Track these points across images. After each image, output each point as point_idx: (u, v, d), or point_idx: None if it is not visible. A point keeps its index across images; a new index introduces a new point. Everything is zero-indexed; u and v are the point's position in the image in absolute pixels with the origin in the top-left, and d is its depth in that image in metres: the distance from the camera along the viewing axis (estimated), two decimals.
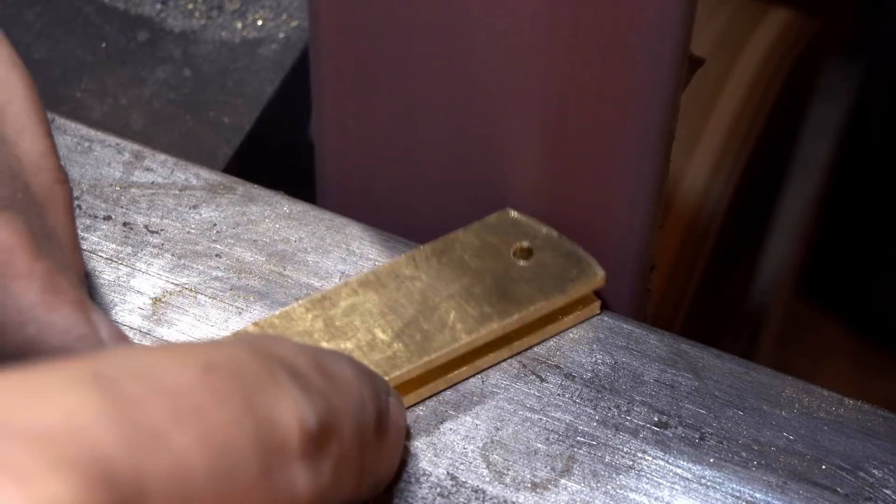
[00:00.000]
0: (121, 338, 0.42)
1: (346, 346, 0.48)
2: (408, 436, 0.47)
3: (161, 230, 0.53)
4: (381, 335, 0.48)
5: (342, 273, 0.52)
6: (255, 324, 0.49)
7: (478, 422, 0.48)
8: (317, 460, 0.37)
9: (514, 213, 0.52)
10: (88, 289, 0.51)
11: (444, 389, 0.49)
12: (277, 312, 0.49)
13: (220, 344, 0.38)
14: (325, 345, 0.48)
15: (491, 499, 0.47)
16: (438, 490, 0.47)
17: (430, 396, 0.49)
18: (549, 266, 0.51)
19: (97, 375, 0.33)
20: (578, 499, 0.47)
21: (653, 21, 0.46)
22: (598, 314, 0.51)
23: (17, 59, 0.46)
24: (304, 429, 0.37)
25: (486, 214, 0.53)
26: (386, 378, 0.47)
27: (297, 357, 0.39)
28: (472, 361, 0.49)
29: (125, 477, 0.32)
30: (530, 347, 0.50)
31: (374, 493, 0.44)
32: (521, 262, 0.51)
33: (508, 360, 0.50)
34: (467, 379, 0.49)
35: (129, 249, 0.52)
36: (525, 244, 0.51)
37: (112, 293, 0.51)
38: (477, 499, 0.47)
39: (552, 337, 0.50)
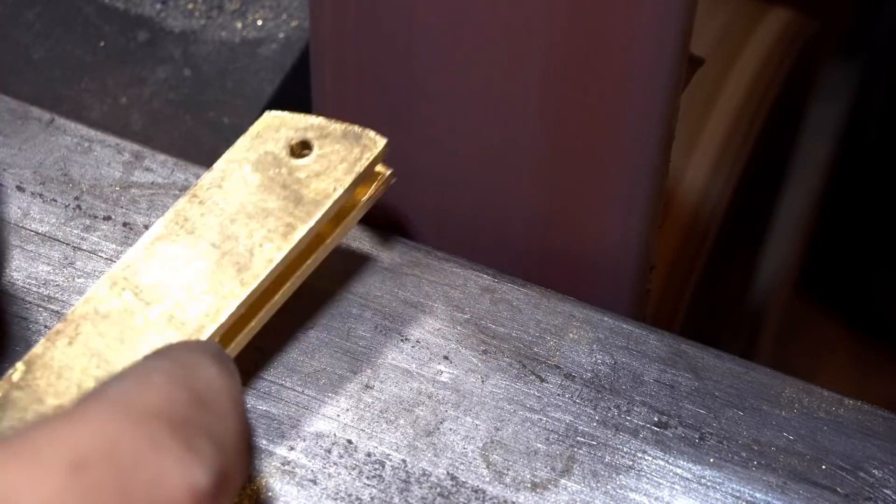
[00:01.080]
0: None
1: (163, 307, 0.46)
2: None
3: None
4: (196, 283, 0.47)
5: (342, 272, 0.52)
6: (63, 319, 0.46)
7: (478, 422, 0.48)
8: None
9: (276, 113, 0.50)
10: (89, 288, 0.51)
11: (272, 316, 0.48)
12: (82, 300, 0.47)
13: (85, 423, 0.35)
14: (148, 313, 0.46)
15: (491, 499, 0.47)
16: (438, 490, 0.47)
17: (260, 329, 0.48)
18: (331, 153, 0.49)
19: None
20: (578, 499, 0.47)
21: (653, 21, 0.46)
22: (393, 181, 0.50)
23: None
24: (196, 494, 0.35)
25: (486, 213, 0.53)
26: (215, 326, 0.46)
27: (172, 398, 0.37)
28: (292, 276, 0.48)
29: None
30: (343, 240, 0.49)
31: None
32: (303, 160, 0.49)
33: (508, 361, 0.50)
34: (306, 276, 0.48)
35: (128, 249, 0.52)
36: (300, 139, 0.50)
37: None
38: (477, 499, 0.47)
39: (357, 222, 0.50)
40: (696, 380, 0.49)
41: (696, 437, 0.48)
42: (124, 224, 0.53)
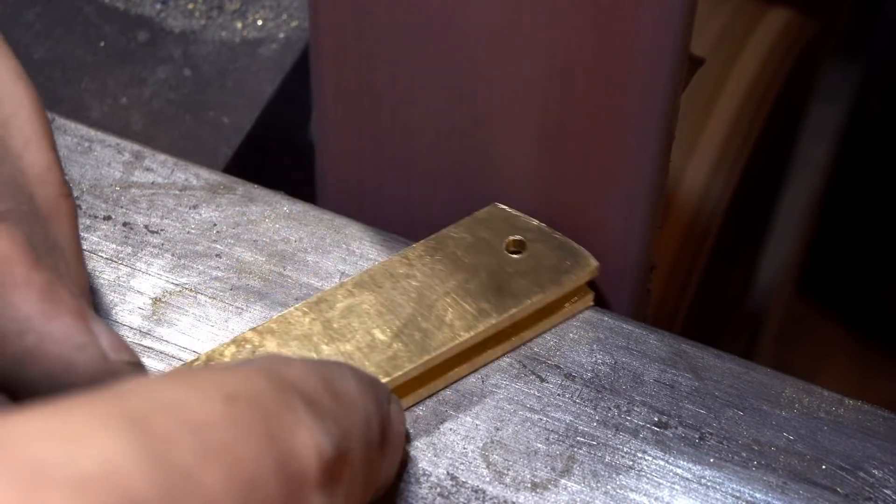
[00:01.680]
0: (121, 347, 0.42)
1: (346, 347, 0.48)
2: (407, 439, 0.47)
3: (161, 230, 0.53)
4: (379, 336, 0.48)
5: (342, 273, 0.52)
6: (254, 329, 0.48)
7: (478, 422, 0.48)
8: (332, 488, 0.38)
9: (503, 207, 0.52)
10: (89, 289, 0.51)
11: (443, 388, 0.49)
12: (275, 317, 0.49)
13: (237, 371, 0.38)
14: (324, 348, 0.48)
15: (491, 499, 0.47)
16: (438, 490, 0.47)
17: (430, 396, 0.49)
18: (543, 258, 0.51)
19: (127, 415, 0.34)
20: (578, 499, 0.47)
21: (653, 21, 0.46)
22: (591, 305, 0.51)
23: (21, 71, 0.46)
24: (321, 458, 0.37)
25: None
26: (386, 379, 0.47)
27: (308, 380, 0.39)
28: (471, 359, 0.49)
29: None
30: (527, 342, 0.50)
31: (375, 497, 0.44)
32: (515, 256, 0.51)
33: (508, 361, 0.50)
34: (466, 377, 0.49)
35: (129, 249, 0.52)
36: (517, 237, 0.51)
37: (112, 293, 0.51)
38: (477, 499, 0.47)
39: (548, 331, 0.50)
40: (697, 380, 0.49)
41: (697, 437, 0.48)
42: (124, 224, 0.53)
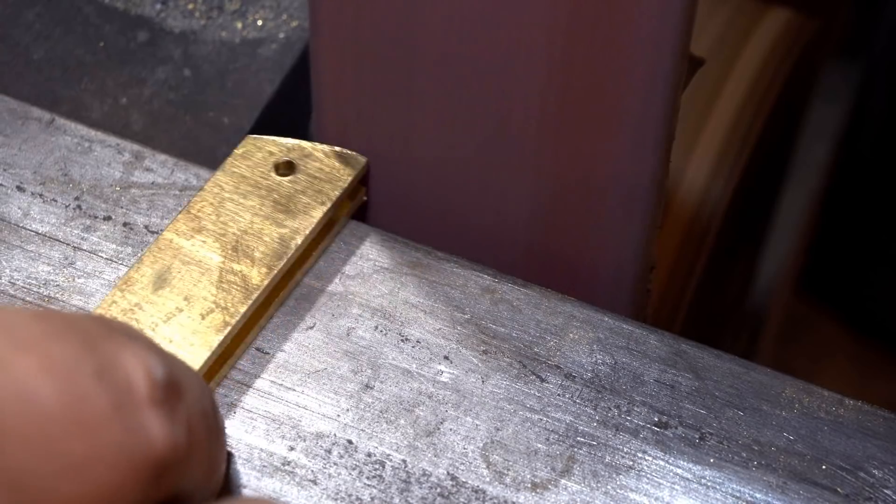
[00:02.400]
0: None
1: (177, 315, 0.48)
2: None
3: (161, 230, 0.53)
4: (202, 293, 0.49)
5: (342, 273, 0.52)
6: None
7: (478, 422, 0.48)
8: (168, 413, 0.38)
9: (256, 137, 0.53)
10: (89, 289, 0.51)
11: (276, 311, 0.50)
12: (94, 309, 0.49)
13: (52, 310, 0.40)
14: (155, 321, 0.48)
15: (491, 499, 0.47)
16: (438, 490, 0.47)
17: (261, 330, 0.50)
18: (313, 171, 0.52)
19: None
20: (578, 499, 0.47)
21: (653, 21, 0.46)
22: (364, 200, 0.54)
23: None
24: (150, 375, 0.38)
25: (486, 213, 0.53)
26: (228, 329, 0.48)
27: (137, 331, 0.41)
28: (289, 282, 0.51)
29: None
30: (327, 248, 0.52)
31: (214, 491, 0.43)
32: (288, 178, 0.52)
33: (508, 361, 0.50)
34: (299, 285, 0.51)
35: (129, 249, 0.52)
36: (283, 159, 0.53)
37: None
38: (477, 499, 0.47)
39: (343, 228, 0.53)
40: (697, 380, 0.49)
41: (697, 437, 0.48)
42: (124, 224, 0.53)
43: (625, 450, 0.48)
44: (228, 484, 0.46)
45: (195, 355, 0.47)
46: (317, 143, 0.53)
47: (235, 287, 0.49)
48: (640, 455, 0.48)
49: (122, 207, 0.53)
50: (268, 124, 0.63)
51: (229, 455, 0.47)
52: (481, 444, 0.48)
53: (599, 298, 0.52)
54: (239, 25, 0.65)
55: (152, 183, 0.54)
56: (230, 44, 0.65)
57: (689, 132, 0.73)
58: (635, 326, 0.51)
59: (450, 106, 0.51)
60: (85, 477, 0.36)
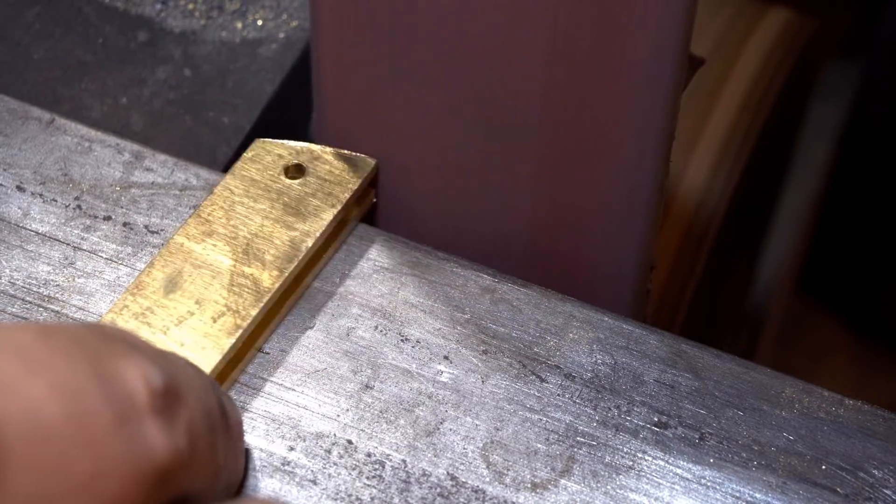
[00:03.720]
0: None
1: (188, 319, 0.48)
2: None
3: (161, 230, 0.53)
4: (213, 296, 0.49)
5: (342, 273, 0.52)
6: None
7: (478, 422, 0.48)
8: (169, 420, 0.39)
9: (265, 140, 0.53)
10: (89, 289, 0.51)
11: (287, 314, 0.50)
12: (106, 314, 0.49)
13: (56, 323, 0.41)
14: (167, 325, 0.48)
15: (491, 499, 0.47)
16: (438, 490, 0.47)
17: (273, 332, 0.50)
18: (323, 174, 0.52)
19: None
20: (578, 499, 0.47)
21: (653, 21, 0.46)
22: (374, 202, 0.54)
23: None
24: (149, 385, 0.39)
25: (486, 213, 0.53)
26: (239, 332, 0.48)
27: (135, 338, 0.41)
28: (299, 285, 0.51)
29: None
30: (338, 250, 0.52)
31: (229, 492, 0.44)
32: (297, 181, 0.52)
33: (508, 361, 0.50)
34: (310, 288, 0.51)
35: (129, 249, 0.52)
36: (293, 163, 0.53)
37: (112, 293, 0.51)
38: (477, 499, 0.47)
39: (352, 232, 0.53)
40: (696, 380, 0.49)
41: (696, 437, 0.48)
42: (124, 224, 0.53)
43: (625, 450, 0.48)
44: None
45: (206, 358, 0.47)
46: (326, 146, 0.53)
47: (247, 290, 0.49)
48: (639, 455, 0.48)
49: (122, 207, 0.53)
50: (268, 124, 0.63)
51: (247, 451, 0.47)
52: (481, 444, 0.48)
53: (599, 298, 0.52)
54: (239, 25, 0.65)
55: (152, 183, 0.54)
56: (230, 44, 0.65)
57: (689, 132, 0.73)
58: (635, 326, 0.51)
59: (450, 106, 0.51)
60: (91, 494, 0.37)
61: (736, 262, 0.88)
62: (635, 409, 0.49)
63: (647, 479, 0.47)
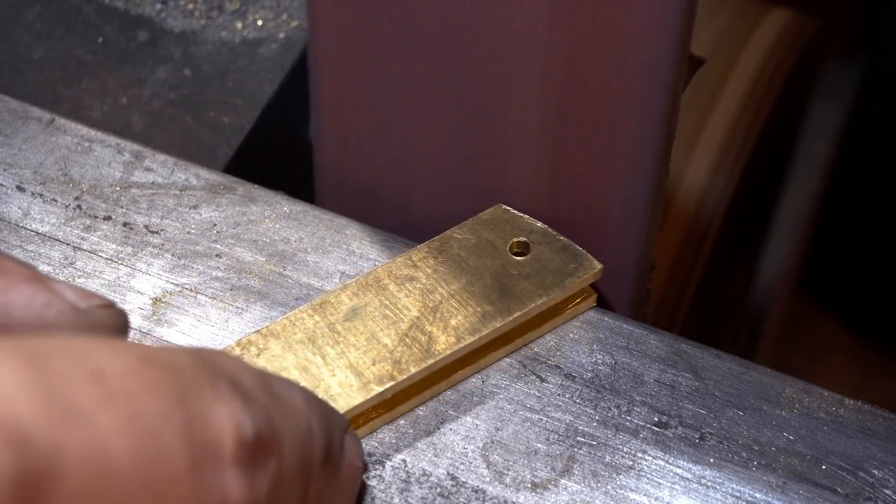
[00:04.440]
0: (88, 295, 0.41)
1: (350, 351, 0.48)
2: (365, 469, 0.47)
3: (161, 230, 0.53)
4: (384, 339, 0.48)
5: (342, 273, 0.52)
6: (258, 332, 0.48)
7: (478, 422, 0.48)
8: (252, 471, 0.36)
9: (507, 208, 0.52)
10: (89, 289, 0.51)
11: (445, 390, 0.49)
12: (279, 319, 0.49)
13: (164, 347, 0.37)
14: (329, 350, 0.48)
15: (491, 499, 0.47)
16: (438, 490, 0.47)
17: (432, 398, 0.49)
18: (547, 261, 0.50)
19: (28, 352, 0.34)
20: (578, 499, 0.47)
21: (653, 21, 0.46)
22: (594, 307, 0.51)
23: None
24: (238, 433, 0.36)
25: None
26: (391, 383, 0.47)
27: (242, 372, 0.38)
28: (474, 361, 0.49)
29: (40, 445, 0.32)
30: (529, 344, 0.50)
31: None
32: (518, 258, 0.51)
33: (508, 361, 0.50)
34: (468, 378, 0.49)
35: (129, 249, 0.52)
36: (521, 239, 0.51)
37: (112, 293, 0.51)
38: (477, 499, 0.47)
39: (550, 332, 0.50)
40: (697, 380, 0.49)
41: (697, 437, 0.48)
42: (124, 224, 0.53)
43: (625, 450, 0.48)
44: None
45: (349, 396, 0.46)
46: (561, 236, 0.51)
47: (417, 346, 0.48)
48: (640, 455, 0.48)
49: (122, 207, 0.53)
50: (268, 124, 0.63)
51: (364, 486, 0.46)
52: (481, 444, 0.48)
53: (599, 298, 0.52)
54: (239, 25, 0.65)
55: (152, 183, 0.54)
56: (230, 44, 0.65)
57: (689, 132, 0.73)
58: (635, 326, 0.51)
59: (449, 105, 0.51)
60: None
61: (736, 262, 0.88)
62: (635, 408, 0.49)
63: (647, 478, 0.47)
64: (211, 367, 0.37)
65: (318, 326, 0.48)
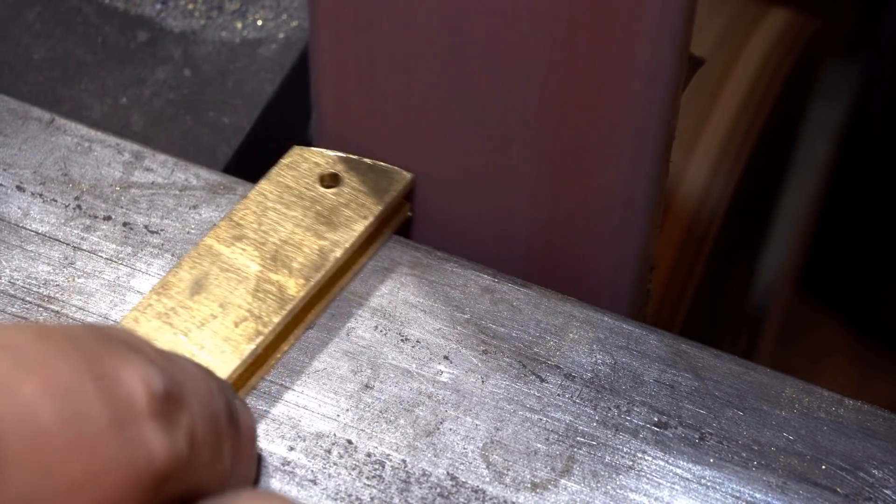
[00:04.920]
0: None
1: (210, 322, 0.48)
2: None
3: (161, 230, 0.53)
4: (237, 300, 0.49)
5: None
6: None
7: (478, 422, 0.48)
8: (168, 424, 0.38)
9: (303, 148, 0.53)
10: (89, 289, 0.51)
11: (304, 333, 0.50)
12: (129, 312, 0.49)
13: (57, 324, 0.40)
14: (189, 327, 0.48)
15: (491, 499, 0.47)
16: (438, 490, 0.47)
17: (295, 342, 0.50)
18: (359, 185, 0.52)
19: None
20: (578, 499, 0.47)
21: (653, 21, 0.46)
22: (409, 215, 0.53)
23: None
24: (149, 388, 0.38)
25: (486, 213, 0.53)
26: (260, 339, 0.48)
27: (136, 339, 0.40)
28: (325, 295, 0.50)
29: None
30: (365, 263, 0.52)
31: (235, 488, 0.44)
32: (333, 190, 0.52)
33: (508, 361, 0.50)
34: (321, 316, 0.50)
35: (129, 249, 0.52)
36: (329, 171, 0.52)
37: (112, 293, 0.51)
38: (477, 499, 0.47)
39: (384, 244, 0.52)
40: (696, 380, 0.49)
41: (696, 437, 0.48)
42: (124, 224, 0.53)
43: (625, 450, 0.48)
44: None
45: (225, 363, 0.47)
46: (363, 157, 0.53)
47: (271, 297, 0.49)
48: (639, 455, 0.48)
49: (122, 207, 0.53)
50: (268, 124, 0.63)
51: (260, 457, 0.47)
52: (481, 444, 0.48)
53: (599, 298, 0.52)
54: (239, 25, 0.65)
55: (152, 183, 0.54)
56: (230, 44, 0.65)
57: (689, 132, 0.73)
58: (635, 326, 0.51)
59: (450, 105, 0.51)
60: (86, 494, 0.36)
61: (736, 262, 0.88)
62: (635, 409, 0.49)
63: (647, 479, 0.47)
64: (105, 335, 0.39)
65: (169, 308, 0.49)
